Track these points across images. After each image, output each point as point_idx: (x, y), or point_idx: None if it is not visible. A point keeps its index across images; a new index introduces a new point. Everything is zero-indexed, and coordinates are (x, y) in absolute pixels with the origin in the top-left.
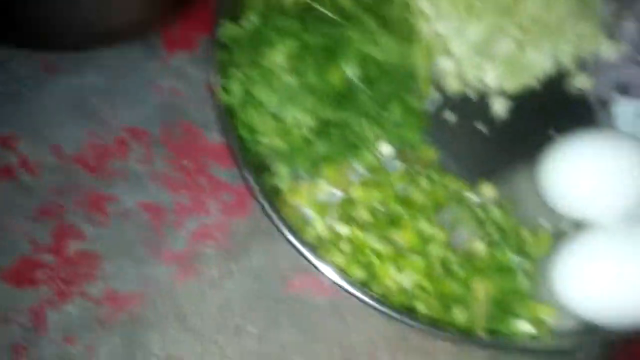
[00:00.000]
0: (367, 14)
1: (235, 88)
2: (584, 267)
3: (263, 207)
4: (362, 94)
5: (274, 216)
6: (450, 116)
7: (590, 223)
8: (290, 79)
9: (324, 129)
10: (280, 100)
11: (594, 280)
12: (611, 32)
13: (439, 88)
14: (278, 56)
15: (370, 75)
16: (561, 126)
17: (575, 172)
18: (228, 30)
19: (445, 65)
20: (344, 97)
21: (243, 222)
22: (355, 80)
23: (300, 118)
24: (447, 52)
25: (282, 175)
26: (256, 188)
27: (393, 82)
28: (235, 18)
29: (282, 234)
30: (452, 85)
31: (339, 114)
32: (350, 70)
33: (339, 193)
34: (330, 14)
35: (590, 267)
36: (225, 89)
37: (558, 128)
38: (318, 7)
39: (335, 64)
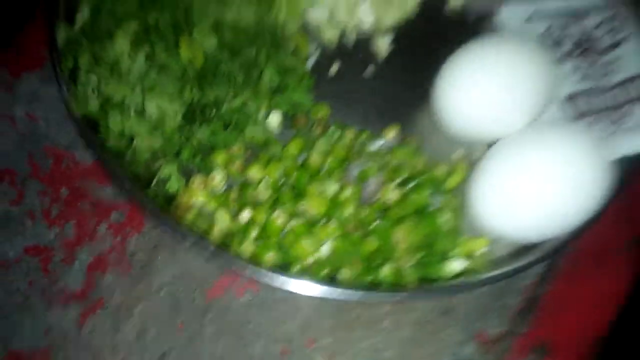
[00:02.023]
0: None
1: (90, 95)
2: (497, 186)
3: (156, 219)
4: (225, 65)
5: (170, 226)
6: (335, 67)
7: (498, 138)
8: (141, 67)
9: (197, 113)
10: (138, 94)
11: (510, 197)
12: None
13: (317, 40)
14: (120, 45)
15: (229, 43)
16: (449, 52)
17: (468, 92)
18: (63, 33)
19: (317, 14)
20: (206, 73)
21: (141, 238)
22: (213, 51)
23: (166, 107)
24: (315, 1)
25: (170, 177)
26: (144, 200)
27: (259, 45)
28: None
29: (184, 242)
30: (329, 34)
31: (207, 92)
32: (205, 42)
33: (237, 178)
34: None
35: (504, 184)
36: (78, 99)
37: (446, 54)
38: None
39: (186, 38)
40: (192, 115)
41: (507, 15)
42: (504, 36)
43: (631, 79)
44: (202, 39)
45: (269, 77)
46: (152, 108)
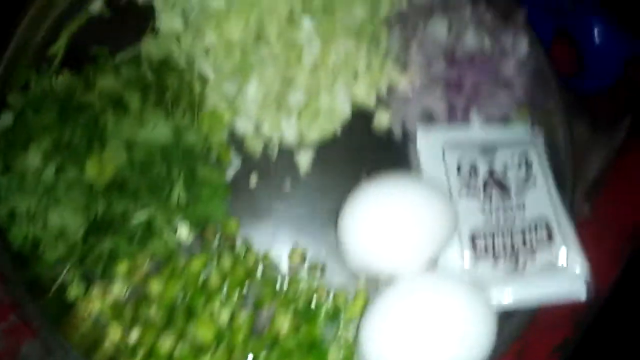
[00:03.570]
0: (138, 93)
1: None
2: (386, 327)
3: (43, 329)
4: (133, 182)
5: (57, 339)
6: (254, 179)
7: (394, 276)
8: (50, 180)
9: (103, 224)
10: (44, 205)
11: (398, 340)
12: (403, 63)
13: (241, 152)
14: (33, 158)
15: (141, 159)
16: (373, 169)
17: (366, 227)
18: None
19: (242, 126)
20: (114, 188)
21: (35, 344)
22: (124, 167)
23: (70, 219)
24: (241, 113)
25: (71, 284)
26: (33, 309)
27: (173, 162)
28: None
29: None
30: (253, 145)
31: (114, 206)
32: (115, 160)
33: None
34: (94, 99)
35: (392, 326)
36: None
37: (370, 172)
38: (82, 92)
39: (98, 155)
40: (98, 226)
41: (423, 142)
42: (411, 172)
43: (534, 227)
44: (112, 157)
45: (178, 194)
46: (55, 220)
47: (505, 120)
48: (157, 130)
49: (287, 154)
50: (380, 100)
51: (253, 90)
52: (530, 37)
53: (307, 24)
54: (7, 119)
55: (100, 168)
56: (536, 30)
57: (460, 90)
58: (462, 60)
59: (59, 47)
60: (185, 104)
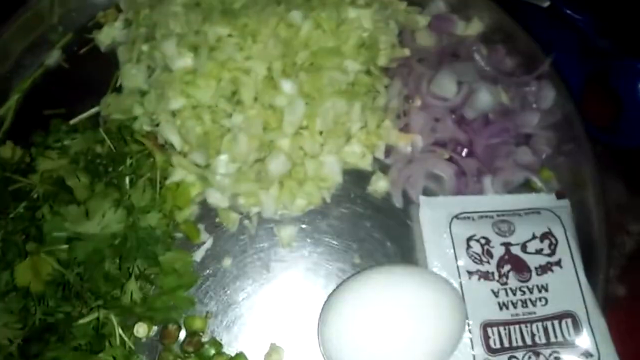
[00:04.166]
0: (85, 176)
1: None
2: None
3: None
4: (77, 282)
5: None
6: (227, 261)
7: None
8: None
9: (44, 331)
10: None
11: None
12: (403, 121)
13: (212, 228)
14: None
15: (86, 256)
16: (367, 246)
17: (356, 329)
18: None
19: (213, 199)
20: (53, 292)
21: None
22: (66, 265)
23: (5, 327)
24: (212, 184)
25: None
26: None
27: (125, 253)
28: None
29: None
30: (226, 221)
31: (56, 310)
32: (56, 256)
33: None
34: (35, 182)
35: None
36: None
37: (362, 252)
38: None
39: (24, 262)
40: (38, 334)
41: (426, 212)
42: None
43: (558, 316)
44: (49, 258)
45: (131, 291)
46: None
47: (525, 185)
48: (106, 220)
49: (266, 228)
50: (377, 163)
51: (226, 160)
52: (557, 84)
53: (287, 86)
54: None
55: (35, 271)
56: (564, 77)
57: (472, 153)
58: (474, 120)
59: (9, 108)
60: (146, 177)
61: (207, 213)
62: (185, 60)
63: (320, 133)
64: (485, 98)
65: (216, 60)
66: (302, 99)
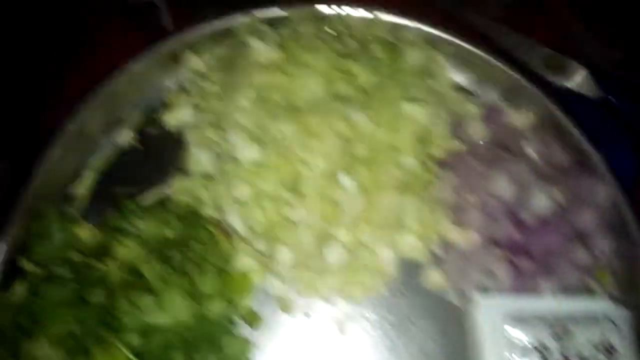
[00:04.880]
0: (159, 265)
1: None
2: None
3: None
4: None
5: None
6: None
7: None
8: None
9: None
10: None
11: None
12: (458, 219)
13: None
14: (42, 347)
15: (156, 346)
16: (422, 340)
17: None
18: None
19: (273, 286)
20: None
21: None
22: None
23: None
24: (273, 272)
25: None
26: None
27: (194, 343)
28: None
29: None
30: (285, 308)
31: None
32: (129, 347)
33: None
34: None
35: None
36: None
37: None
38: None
39: (109, 342)
40: None
41: (482, 312)
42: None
43: None
44: (124, 347)
45: None
46: None
47: (582, 288)
48: (177, 312)
49: (322, 316)
50: (431, 255)
51: (287, 250)
52: (610, 180)
53: (346, 181)
54: (20, 290)
55: (110, 359)
56: (617, 172)
57: (528, 253)
58: (531, 224)
59: (84, 186)
60: (212, 264)
61: (267, 299)
62: (251, 152)
63: (376, 224)
64: (540, 199)
65: (280, 153)
66: (360, 193)
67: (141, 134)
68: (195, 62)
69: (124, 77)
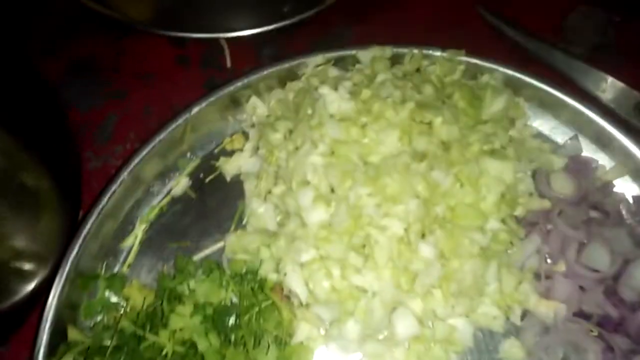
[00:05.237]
0: (214, 331)
1: None
2: None
3: None
4: None
5: None
6: None
7: None
8: None
9: None
10: None
11: None
12: (543, 287)
13: None
14: None
15: None
16: None
17: None
18: None
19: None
20: None
21: None
22: None
23: None
24: (336, 343)
25: None
26: None
27: None
28: None
29: None
30: None
31: None
32: None
33: None
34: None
35: None
36: None
37: None
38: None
39: None
40: None
41: None
42: None
43: None
44: None
45: None
46: None
47: None
48: None
49: None
50: (509, 324)
51: (352, 320)
52: None
53: (424, 248)
54: None
55: None
56: None
57: (623, 330)
58: (629, 299)
59: (135, 238)
60: (270, 332)
61: None
62: (321, 214)
63: (452, 293)
64: None
65: (352, 215)
66: (438, 261)
67: (197, 181)
68: (258, 106)
69: (183, 121)
